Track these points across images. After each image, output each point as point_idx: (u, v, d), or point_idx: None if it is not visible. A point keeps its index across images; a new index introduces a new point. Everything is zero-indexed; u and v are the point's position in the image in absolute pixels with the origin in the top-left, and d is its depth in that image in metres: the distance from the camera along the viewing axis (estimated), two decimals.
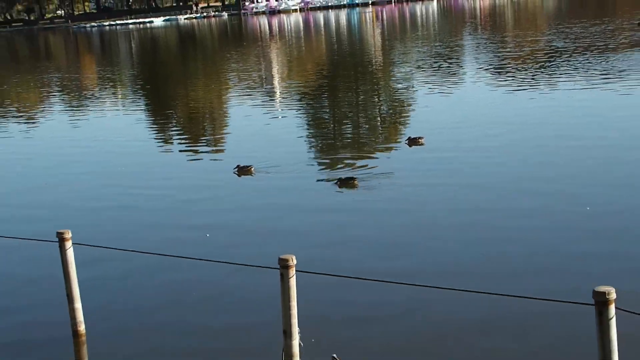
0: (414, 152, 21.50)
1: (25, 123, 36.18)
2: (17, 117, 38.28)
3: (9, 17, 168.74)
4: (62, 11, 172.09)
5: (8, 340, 11.91)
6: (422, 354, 10.49)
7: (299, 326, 9.64)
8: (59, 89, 52.25)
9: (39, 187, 21.59)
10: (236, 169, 20.84)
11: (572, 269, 12.47)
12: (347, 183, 18.55)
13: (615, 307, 7.62)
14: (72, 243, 11.16)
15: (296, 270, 9.44)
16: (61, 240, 11.05)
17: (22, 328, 12.28)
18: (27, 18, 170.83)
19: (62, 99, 46.10)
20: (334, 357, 9.72)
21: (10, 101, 47.12)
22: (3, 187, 22.03)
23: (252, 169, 20.74)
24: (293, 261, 9.34)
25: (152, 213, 18.20)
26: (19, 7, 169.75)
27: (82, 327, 11.46)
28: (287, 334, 9.69)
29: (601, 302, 7.62)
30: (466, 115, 26.96)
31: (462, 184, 17.94)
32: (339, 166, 21.42)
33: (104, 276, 13.64)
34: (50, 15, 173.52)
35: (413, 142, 22.10)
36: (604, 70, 33.69)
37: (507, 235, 14.43)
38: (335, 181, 18.81)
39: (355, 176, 19.09)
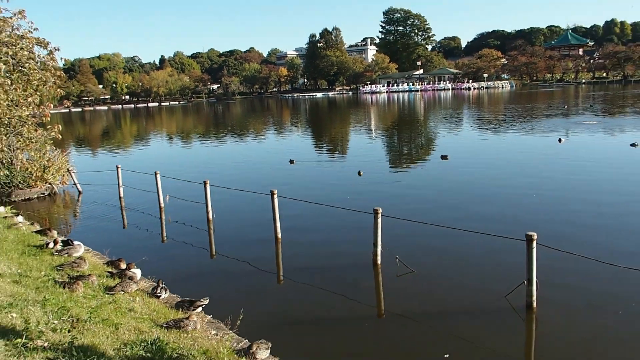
0: (444, 163, 20.63)
1: (254, 141, 36.63)
2: (252, 139, 38.84)
3: (250, 91, 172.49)
4: (276, 88, 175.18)
5: (235, 238, 11.50)
6: (461, 273, 9.03)
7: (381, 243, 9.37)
8: (272, 124, 52.19)
9: (258, 171, 21.56)
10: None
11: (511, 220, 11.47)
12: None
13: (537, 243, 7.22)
14: (278, 198, 10.77)
15: (382, 215, 9.16)
16: (272, 194, 10.83)
17: (250, 238, 11.73)
18: (260, 91, 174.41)
19: (277, 130, 45.89)
20: (397, 258, 9.45)
21: (249, 128, 47.83)
22: (265, 167, 21.99)
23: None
24: (379, 210, 9.16)
25: (319, 182, 17.59)
26: (256, 86, 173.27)
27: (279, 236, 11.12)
28: (375, 245, 9.51)
29: (529, 239, 7.24)
30: (469, 146, 25.67)
31: (468, 177, 17.17)
32: (400, 166, 20.80)
33: (292, 219, 12.45)
34: (270, 90, 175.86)
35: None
36: (532, 127, 31.67)
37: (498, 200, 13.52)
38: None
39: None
